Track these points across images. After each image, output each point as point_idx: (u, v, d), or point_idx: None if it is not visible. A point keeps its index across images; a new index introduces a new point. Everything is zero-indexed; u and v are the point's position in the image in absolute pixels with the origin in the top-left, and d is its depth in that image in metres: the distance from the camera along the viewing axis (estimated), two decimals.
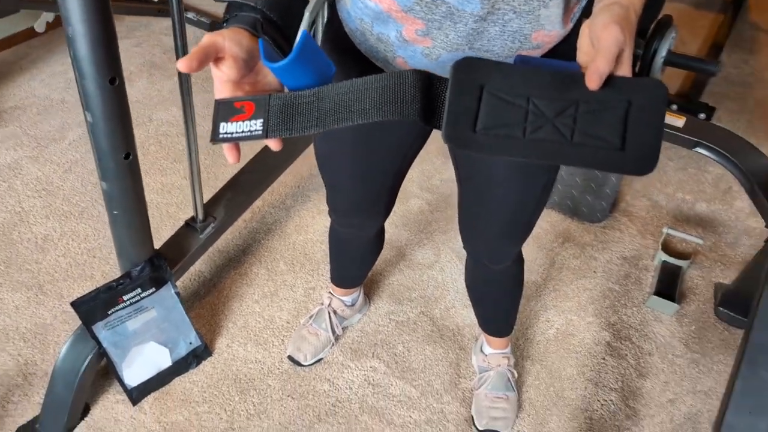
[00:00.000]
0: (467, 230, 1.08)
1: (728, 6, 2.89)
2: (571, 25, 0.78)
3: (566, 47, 0.78)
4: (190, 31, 2.59)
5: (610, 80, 0.55)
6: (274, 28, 0.65)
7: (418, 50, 0.78)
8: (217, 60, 0.60)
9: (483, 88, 0.56)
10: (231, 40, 0.60)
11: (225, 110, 0.59)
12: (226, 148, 0.61)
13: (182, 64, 0.56)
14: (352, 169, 1.01)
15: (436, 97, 0.57)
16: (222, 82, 0.61)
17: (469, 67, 0.56)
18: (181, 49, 1.23)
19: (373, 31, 0.80)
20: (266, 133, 0.56)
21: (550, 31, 0.75)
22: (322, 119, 0.56)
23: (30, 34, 2.44)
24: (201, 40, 0.59)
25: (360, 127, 0.90)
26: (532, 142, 0.54)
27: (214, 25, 2.54)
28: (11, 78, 2.29)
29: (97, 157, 1.14)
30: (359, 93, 0.55)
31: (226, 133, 0.57)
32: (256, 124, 0.57)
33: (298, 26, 0.69)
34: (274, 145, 0.60)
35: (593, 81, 0.54)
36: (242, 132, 0.57)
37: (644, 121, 0.54)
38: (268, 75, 0.64)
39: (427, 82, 0.56)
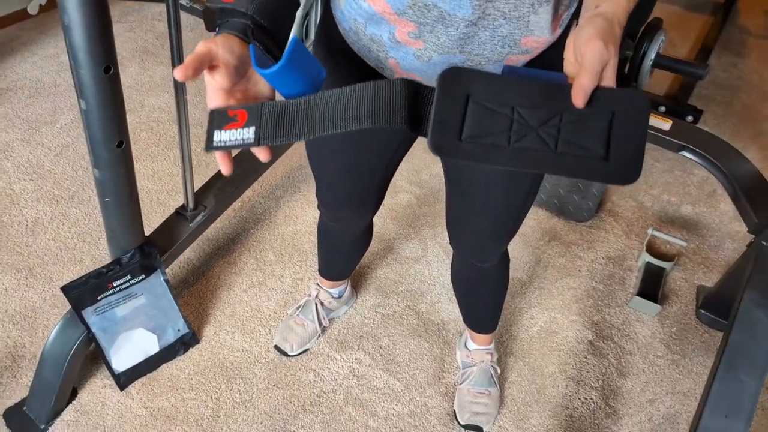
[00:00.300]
0: (454, 228, 1.10)
1: (718, 9, 2.92)
2: (560, 31, 0.80)
3: (555, 53, 0.80)
4: (184, 17, 2.57)
5: (595, 92, 0.57)
6: (265, 34, 0.66)
7: (410, 52, 0.79)
8: (211, 68, 0.61)
9: (469, 97, 0.57)
10: (224, 47, 0.61)
11: (219, 119, 0.60)
12: (220, 158, 0.62)
13: (178, 73, 0.57)
14: (341, 166, 1.02)
15: (423, 105, 0.58)
16: (215, 90, 0.62)
17: (455, 76, 0.57)
18: (174, 36, 1.23)
19: (366, 32, 0.81)
20: (258, 141, 0.58)
21: (539, 36, 0.76)
22: (312, 127, 0.57)
23: (22, 15, 2.42)
24: (196, 47, 0.60)
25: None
26: (516, 151, 0.55)
27: (208, 11, 2.52)
28: (2, 59, 2.27)
29: (90, 145, 1.14)
30: (349, 101, 0.57)
31: (219, 141, 0.59)
32: (249, 132, 0.58)
33: (289, 31, 0.69)
34: (263, 155, 0.61)
35: (579, 98, 0.56)
36: (235, 140, 0.58)
37: (628, 132, 0.55)
38: (260, 82, 0.65)
39: (414, 91, 0.58)
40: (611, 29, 0.59)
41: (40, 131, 1.99)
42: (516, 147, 0.55)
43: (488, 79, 0.58)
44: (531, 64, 0.81)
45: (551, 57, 0.80)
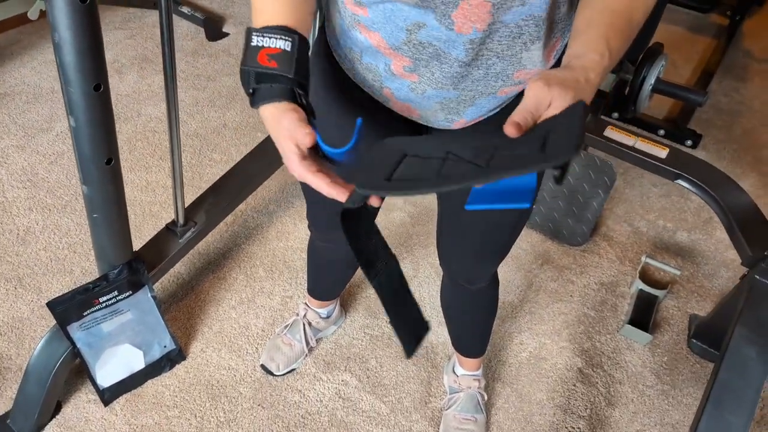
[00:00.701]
0: (444, 249, 1.09)
1: (722, 32, 2.91)
2: (553, 61, 0.79)
3: None
4: (184, 25, 2.58)
5: (534, 126, 0.57)
6: (305, 91, 0.65)
7: (405, 84, 0.79)
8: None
9: (405, 154, 0.59)
10: (295, 126, 0.61)
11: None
12: (337, 191, 0.61)
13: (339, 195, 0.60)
14: None
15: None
16: (302, 160, 0.62)
17: (397, 140, 0.61)
18: (167, 44, 1.22)
19: (362, 61, 0.81)
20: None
21: (531, 69, 0.77)
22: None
23: (23, 20, 2.42)
24: (300, 140, 0.61)
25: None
26: (443, 176, 0.54)
27: (208, 20, 2.53)
28: (2, 64, 2.27)
29: (80, 162, 1.14)
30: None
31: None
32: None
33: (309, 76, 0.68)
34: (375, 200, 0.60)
35: (509, 126, 0.56)
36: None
37: (562, 129, 0.53)
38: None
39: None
40: (569, 76, 0.59)
41: (35, 138, 1.99)
42: (443, 173, 0.55)
43: (426, 139, 0.61)
44: (522, 94, 0.80)
45: None
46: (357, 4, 0.73)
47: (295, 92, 0.63)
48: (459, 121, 0.83)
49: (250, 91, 0.64)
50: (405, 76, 0.78)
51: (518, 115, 0.56)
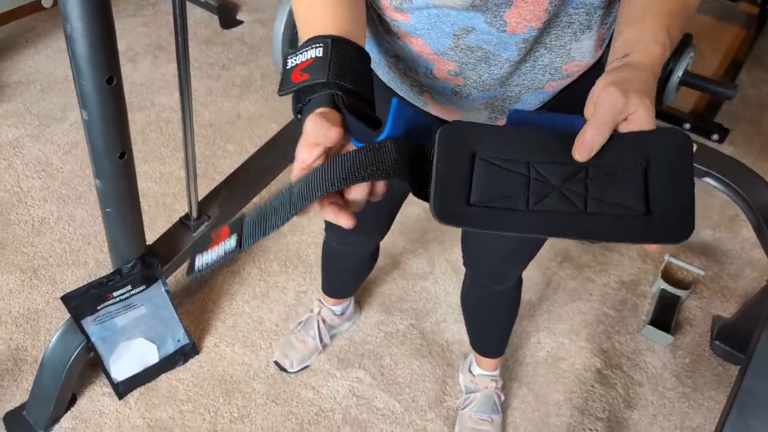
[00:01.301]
0: (471, 250, 1.06)
1: (752, 21, 2.81)
2: (601, 51, 0.75)
3: (597, 71, 0.76)
4: (198, 12, 2.55)
5: (622, 138, 0.50)
6: (353, 96, 0.56)
7: (449, 87, 0.75)
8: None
9: (475, 154, 0.51)
10: (319, 132, 0.53)
11: (200, 244, 0.54)
12: (336, 216, 0.53)
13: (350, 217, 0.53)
14: None
15: (427, 164, 0.52)
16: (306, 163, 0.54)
17: (457, 131, 0.51)
18: (180, 33, 1.19)
19: (399, 66, 0.77)
20: (240, 245, 0.51)
21: (580, 61, 0.72)
22: (293, 205, 0.51)
23: (37, 7, 2.41)
24: (324, 136, 0.52)
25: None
26: (538, 215, 0.48)
27: (222, 7, 2.49)
28: (17, 51, 2.26)
29: (92, 156, 1.12)
30: (335, 167, 0.50)
31: (202, 265, 0.53)
32: (230, 242, 0.52)
33: (371, 86, 0.59)
34: (344, 221, 0.53)
35: (579, 151, 0.49)
36: (217, 256, 0.52)
37: (669, 179, 0.47)
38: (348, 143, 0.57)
39: (410, 150, 0.52)
40: (639, 78, 0.52)
41: (50, 127, 1.98)
42: (537, 210, 0.48)
43: (495, 133, 0.51)
44: (569, 88, 0.76)
45: (589, 83, 0.76)
46: (397, 10, 0.68)
47: (335, 97, 0.55)
48: (503, 120, 0.79)
49: (298, 116, 0.57)
50: (449, 80, 0.73)
51: (589, 130, 0.49)
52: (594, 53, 0.72)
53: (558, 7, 0.63)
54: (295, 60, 0.57)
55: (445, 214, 0.49)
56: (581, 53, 0.71)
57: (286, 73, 0.57)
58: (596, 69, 0.76)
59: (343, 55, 0.56)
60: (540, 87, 0.74)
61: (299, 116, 0.56)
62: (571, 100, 0.77)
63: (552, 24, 0.66)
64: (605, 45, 0.75)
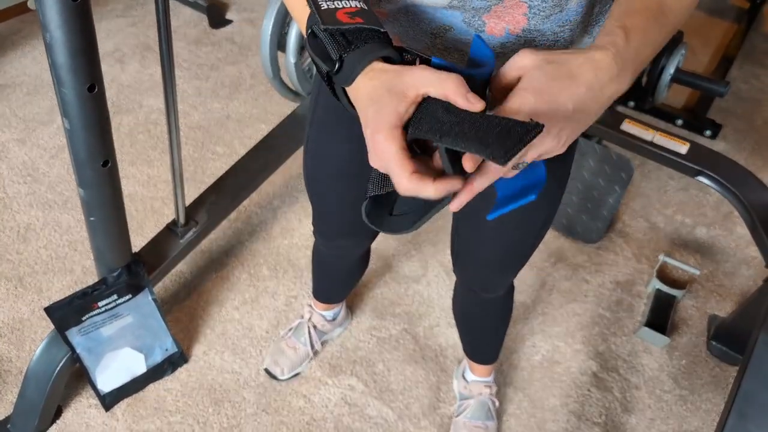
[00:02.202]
0: (460, 259, 1.03)
1: (743, 15, 2.79)
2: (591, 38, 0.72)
3: None
4: (187, 12, 2.51)
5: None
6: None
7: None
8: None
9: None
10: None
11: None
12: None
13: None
14: (340, 194, 0.96)
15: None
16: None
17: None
18: (164, 31, 1.16)
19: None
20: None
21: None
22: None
23: (22, 8, 2.37)
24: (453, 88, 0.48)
25: (351, 150, 0.85)
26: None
27: (212, 7, 2.46)
28: (2, 53, 2.23)
29: (75, 164, 1.10)
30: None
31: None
32: None
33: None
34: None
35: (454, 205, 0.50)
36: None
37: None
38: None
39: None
40: (564, 56, 0.51)
41: (36, 131, 1.95)
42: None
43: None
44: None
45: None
46: (375, 5, 0.66)
47: (400, 51, 0.51)
48: None
49: (336, 61, 0.51)
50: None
51: (479, 182, 0.51)
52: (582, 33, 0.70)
53: (538, 18, 0.61)
54: (333, 4, 0.53)
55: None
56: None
57: (325, 13, 0.52)
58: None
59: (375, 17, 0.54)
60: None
61: (339, 62, 0.51)
62: None
63: (538, 42, 0.64)
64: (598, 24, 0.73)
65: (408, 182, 0.47)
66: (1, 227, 1.67)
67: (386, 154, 0.48)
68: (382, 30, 0.52)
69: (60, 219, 1.70)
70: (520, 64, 0.51)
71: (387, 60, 0.52)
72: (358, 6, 0.53)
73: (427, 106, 0.49)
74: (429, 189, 0.48)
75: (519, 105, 0.49)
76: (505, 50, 0.65)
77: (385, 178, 0.52)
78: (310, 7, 0.53)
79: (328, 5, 0.52)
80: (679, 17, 0.57)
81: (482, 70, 0.54)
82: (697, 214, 1.89)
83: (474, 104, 0.48)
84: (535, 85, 0.50)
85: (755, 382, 1.13)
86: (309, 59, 1.64)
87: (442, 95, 0.49)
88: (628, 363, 1.50)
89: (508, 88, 0.51)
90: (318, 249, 1.23)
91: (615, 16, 0.55)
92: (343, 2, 0.53)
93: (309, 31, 0.53)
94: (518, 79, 0.51)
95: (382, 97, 0.49)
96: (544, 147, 0.51)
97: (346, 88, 0.53)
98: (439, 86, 0.48)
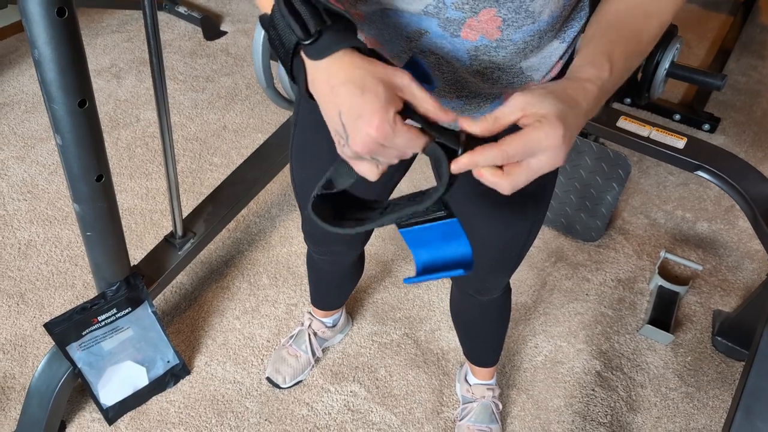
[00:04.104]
0: None
1: (738, 7, 2.78)
2: (558, 69, 0.73)
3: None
4: (182, 25, 2.52)
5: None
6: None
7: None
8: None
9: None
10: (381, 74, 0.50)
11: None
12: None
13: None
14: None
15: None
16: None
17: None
18: (154, 45, 1.16)
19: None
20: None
21: (536, 77, 0.71)
22: None
23: (20, 27, 2.38)
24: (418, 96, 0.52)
25: (335, 153, 0.86)
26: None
27: (206, 19, 2.47)
28: (1, 72, 2.24)
29: (69, 180, 1.10)
30: None
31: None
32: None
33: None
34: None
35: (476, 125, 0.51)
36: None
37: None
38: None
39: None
40: (560, 88, 0.53)
41: (35, 148, 1.96)
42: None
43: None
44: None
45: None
46: (352, 6, 0.66)
47: (375, 54, 0.51)
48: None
49: (315, 33, 0.49)
50: None
51: (504, 147, 0.50)
52: (547, 70, 0.72)
53: (511, 30, 0.62)
54: None
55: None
56: (533, 69, 0.70)
57: None
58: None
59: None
60: (498, 95, 0.73)
61: (317, 33, 0.50)
62: None
63: (509, 50, 0.65)
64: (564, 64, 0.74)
65: (418, 138, 0.51)
66: (2, 244, 1.67)
67: (387, 130, 0.49)
68: (352, 21, 0.52)
69: (60, 234, 1.71)
70: (518, 104, 0.51)
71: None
72: None
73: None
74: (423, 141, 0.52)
75: (545, 110, 0.50)
76: (479, 53, 0.65)
77: (349, 170, 0.55)
78: None
79: None
80: (651, 43, 0.61)
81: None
82: (698, 209, 1.88)
83: (448, 116, 0.51)
84: (549, 102, 0.51)
85: (762, 378, 1.12)
86: None
87: (423, 110, 0.52)
88: (633, 361, 1.49)
89: (506, 131, 0.52)
90: (311, 256, 1.23)
91: (600, 44, 0.58)
92: None
93: None
94: (518, 119, 0.52)
95: (375, 86, 0.49)
96: (562, 154, 0.51)
97: (311, 67, 0.52)
98: (422, 102, 0.51)
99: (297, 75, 0.54)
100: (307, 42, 0.50)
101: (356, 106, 0.49)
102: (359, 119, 0.49)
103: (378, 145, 0.50)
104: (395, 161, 0.54)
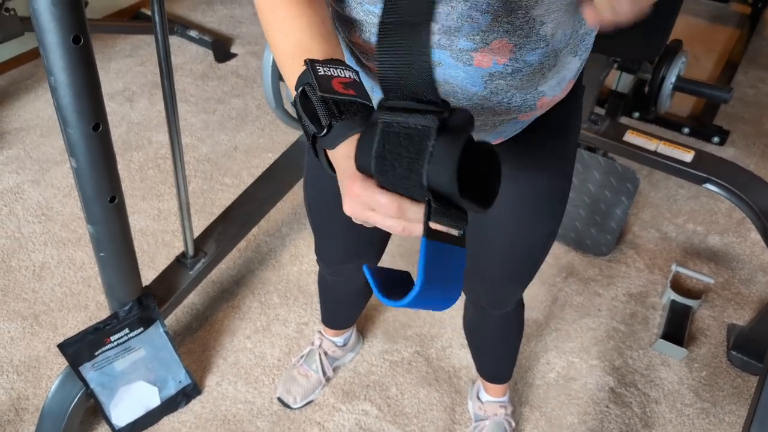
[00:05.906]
0: (467, 275, 1.03)
1: (744, 21, 2.79)
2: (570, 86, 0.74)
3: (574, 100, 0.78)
4: (193, 49, 2.57)
5: None
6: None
7: None
8: None
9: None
10: None
11: None
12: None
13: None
14: (341, 221, 0.97)
15: None
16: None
17: None
18: (165, 68, 1.19)
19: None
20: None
21: (552, 96, 0.72)
22: None
23: (37, 53, 2.44)
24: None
25: None
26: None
27: (216, 42, 2.52)
28: (17, 98, 2.30)
29: (83, 202, 1.12)
30: None
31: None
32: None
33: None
34: None
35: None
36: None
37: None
38: None
39: None
40: None
41: (50, 171, 2.00)
42: None
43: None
44: (545, 115, 0.77)
45: (569, 108, 0.78)
46: (366, 42, 0.68)
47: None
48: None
49: (326, 127, 0.53)
50: None
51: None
52: (562, 87, 0.73)
53: (524, 51, 0.63)
54: (330, 72, 0.55)
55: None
56: (551, 87, 0.71)
57: (322, 79, 0.54)
58: (573, 98, 0.77)
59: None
60: (515, 117, 0.73)
61: (327, 128, 0.53)
62: (545, 129, 0.78)
63: (525, 72, 0.66)
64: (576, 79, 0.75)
65: (389, 202, 0.49)
66: (17, 266, 1.70)
67: (367, 191, 0.50)
68: (370, 104, 0.54)
69: (74, 256, 1.73)
70: None
71: None
72: (352, 78, 0.56)
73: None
74: (413, 209, 0.48)
75: None
76: (493, 78, 0.66)
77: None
78: (308, 70, 0.55)
79: (324, 71, 0.55)
80: None
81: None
82: (709, 222, 1.87)
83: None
84: None
85: None
86: None
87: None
88: (646, 377, 1.47)
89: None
90: (322, 276, 1.23)
91: None
92: (338, 71, 0.56)
93: (300, 89, 0.55)
94: None
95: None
96: None
97: (328, 151, 0.56)
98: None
99: (319, 155, 0.58)
100: (320, 135, 0.54)
101: (346, 171, 0.52)
102: (349, 180, 0.51)
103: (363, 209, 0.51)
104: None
